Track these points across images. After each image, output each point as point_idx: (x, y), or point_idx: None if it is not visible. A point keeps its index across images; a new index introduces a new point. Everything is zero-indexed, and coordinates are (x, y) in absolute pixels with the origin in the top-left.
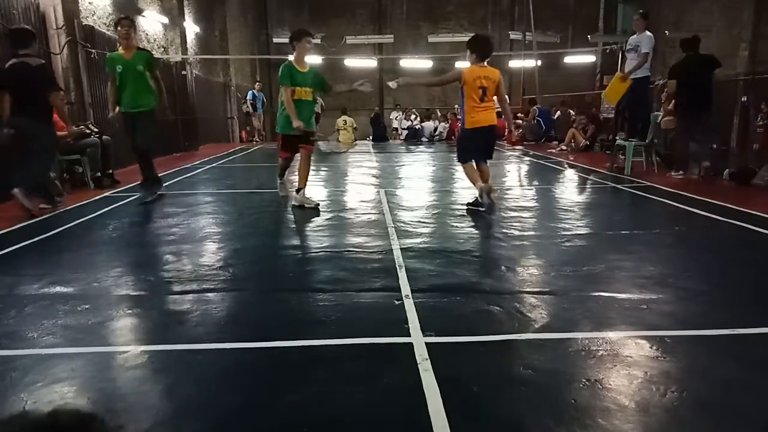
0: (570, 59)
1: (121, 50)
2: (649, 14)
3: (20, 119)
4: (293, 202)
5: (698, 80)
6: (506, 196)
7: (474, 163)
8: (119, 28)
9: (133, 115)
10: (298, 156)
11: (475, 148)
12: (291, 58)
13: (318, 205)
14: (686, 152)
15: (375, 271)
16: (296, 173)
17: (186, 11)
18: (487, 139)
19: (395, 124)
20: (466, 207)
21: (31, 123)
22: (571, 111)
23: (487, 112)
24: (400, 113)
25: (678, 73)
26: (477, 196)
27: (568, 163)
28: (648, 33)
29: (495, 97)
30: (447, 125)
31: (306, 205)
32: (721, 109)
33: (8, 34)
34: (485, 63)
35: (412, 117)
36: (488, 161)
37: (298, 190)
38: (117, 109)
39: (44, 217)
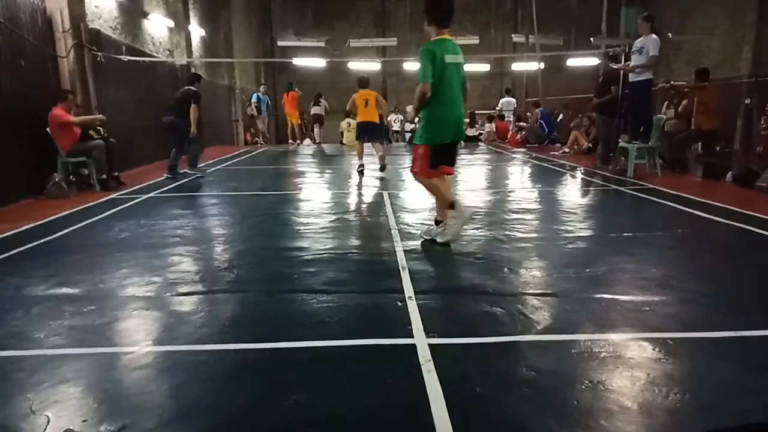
0: (573, 62)
1: None
2: (653, 17)
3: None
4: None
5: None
6: (509, 199)
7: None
8: None
9: None
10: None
11: (363, 132)
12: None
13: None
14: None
15: (378, 272)
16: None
17: (191, 15)
18: (371, 128)
19: (395, 127)
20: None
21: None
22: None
23: (369, 113)
24: (399, 115)
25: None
26: (360, 166)
27: (570, 165)
28: (654, 36)
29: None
30: None
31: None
32: (724, 112)
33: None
34: (367, 88)
35: (416, 120)
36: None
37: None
38: None
39: (55, 217)
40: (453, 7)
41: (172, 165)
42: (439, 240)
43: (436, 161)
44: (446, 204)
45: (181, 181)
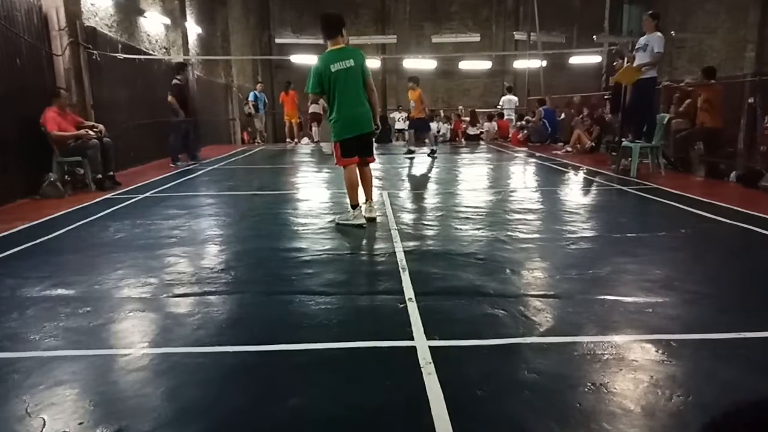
0: (575, 60)
1: None
2: (659, 15)
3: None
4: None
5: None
6: (511, 198)
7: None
8: None
9: None
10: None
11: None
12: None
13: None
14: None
15: (378, 273)
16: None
17: (188, 12)
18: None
19: (398, 126)
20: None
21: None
22: (581, 112)
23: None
24: (402, 114)
25: None
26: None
27: (573, 165)
28: (658, 33)
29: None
30: (450, 126)
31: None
32: (728, 111)
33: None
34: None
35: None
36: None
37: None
38: None
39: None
40: (335, 20)
41: (171, 155)
42: (345, 222)
43: (347, 153)
44: (352, 201)
45: (182, 178)
